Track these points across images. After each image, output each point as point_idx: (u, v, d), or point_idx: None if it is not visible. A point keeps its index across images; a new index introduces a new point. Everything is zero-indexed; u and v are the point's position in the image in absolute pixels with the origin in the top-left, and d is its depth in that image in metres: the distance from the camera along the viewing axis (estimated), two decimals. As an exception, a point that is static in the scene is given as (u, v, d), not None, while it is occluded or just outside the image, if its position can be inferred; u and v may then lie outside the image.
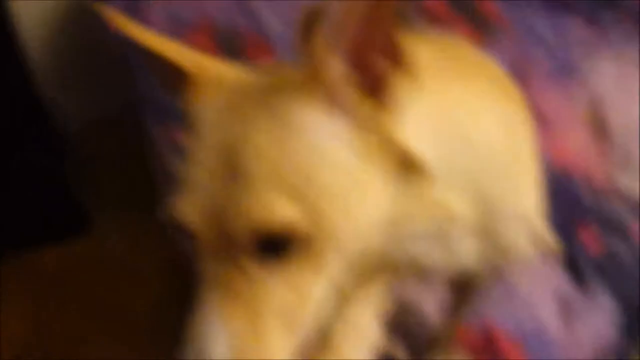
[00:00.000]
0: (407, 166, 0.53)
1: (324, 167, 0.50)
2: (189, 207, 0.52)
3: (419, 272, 0.69)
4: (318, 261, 0.51)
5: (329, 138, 0.50)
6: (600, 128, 1.41)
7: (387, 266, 0.68)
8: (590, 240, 1.22)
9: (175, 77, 0.59)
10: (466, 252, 0.66)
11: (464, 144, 0.59)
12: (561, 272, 1.17)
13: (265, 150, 0.49)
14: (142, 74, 1.34)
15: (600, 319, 1.11)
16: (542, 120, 1.42)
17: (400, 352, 1.09)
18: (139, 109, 1.37)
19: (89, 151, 1.74)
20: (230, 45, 1.47)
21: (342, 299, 0.64)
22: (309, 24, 0.48)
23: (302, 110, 0.50)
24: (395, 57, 0.49)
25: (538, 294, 1.14)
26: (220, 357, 0.49)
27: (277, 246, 0.50)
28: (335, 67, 0.50)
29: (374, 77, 0.50)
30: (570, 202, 1.27)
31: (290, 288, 0.51)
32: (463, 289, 0.90)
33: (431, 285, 1.08)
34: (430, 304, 1.11)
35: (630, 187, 1.30)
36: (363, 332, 0.68)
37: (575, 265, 1.18)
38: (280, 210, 0.48)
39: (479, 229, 0.65)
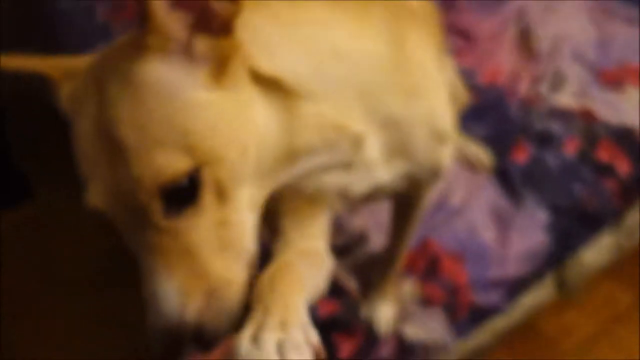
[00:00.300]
0: (275, 89, 0.56)
1: (191, 112, 0.51)
2: (95, 196, 0.53)
3: (350, 200, 0.71)
4: (225, 192, 0.53)
5: (185, 86, 0.51)
6: (528, 47, 1.43)
7: (315, 198, 0.70)
8: (521, 154, 1.26)
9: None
10: (385, 173, 0.68)
11: (337, 60, 0.60)
12: (495, 187, 1.21)
13: (131, 118, 0.50)
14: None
15: (533, 227, 1.15)
16: (471, 41, 1.44)
17: (350, 281, 1.13)
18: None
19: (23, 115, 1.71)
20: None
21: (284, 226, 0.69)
22: None
23: (149, 67, 0.51)
24: None
25: (475, 210, 1.18)
26: (173, 313, 0.51)
27: (183, 197, 0.51)
28: (170, 16, 0.50)
29: (212, 16, 0.51)
30: (501, 119, 1.30)
31: (213, 223, 0.53)
32: (402, 211, 0.92)
33: (365, 206, 1.10)
34: (377, 235, 1.14)
35: (561, 102, 1.33)
36: (319, 261, 0.70)
37: (508, 178, 1.22)
38: (168, 166, 0.50)
39: (392, 148, 0.66)
